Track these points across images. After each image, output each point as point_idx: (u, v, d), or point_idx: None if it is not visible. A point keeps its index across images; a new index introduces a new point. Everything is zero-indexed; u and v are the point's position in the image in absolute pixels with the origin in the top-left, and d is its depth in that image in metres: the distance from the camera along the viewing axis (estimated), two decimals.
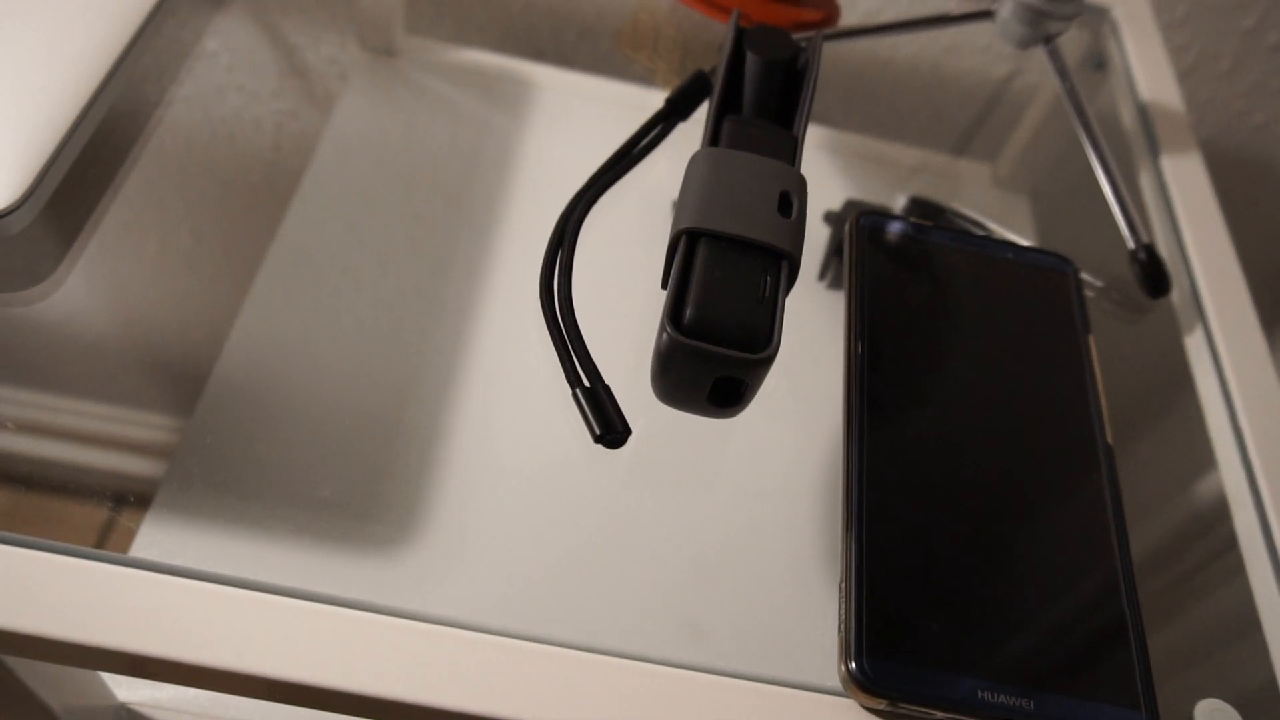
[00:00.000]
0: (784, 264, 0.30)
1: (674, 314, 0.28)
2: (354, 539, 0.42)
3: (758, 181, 0.30)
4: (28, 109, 0.36)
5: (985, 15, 0.45)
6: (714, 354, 0.27)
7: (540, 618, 0.41)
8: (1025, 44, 0.45)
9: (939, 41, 0.71)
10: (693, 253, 0.29)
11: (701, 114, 0.39)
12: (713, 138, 0.33)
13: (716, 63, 0.37)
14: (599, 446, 0.32)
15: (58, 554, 0.30)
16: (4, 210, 0.33)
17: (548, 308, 0.33)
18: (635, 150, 0.38)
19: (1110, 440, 0.39)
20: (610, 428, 0.30)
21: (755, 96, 0.35)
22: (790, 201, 0.30)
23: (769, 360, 0.28)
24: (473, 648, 0.30)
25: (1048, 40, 0.45)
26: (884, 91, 0.73)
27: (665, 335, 0.28)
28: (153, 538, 0.42)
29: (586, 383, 0.31)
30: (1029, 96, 0.68)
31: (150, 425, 0.84)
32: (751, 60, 0.34)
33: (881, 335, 0.39)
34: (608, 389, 0.31)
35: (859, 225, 0.42)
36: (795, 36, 0.36)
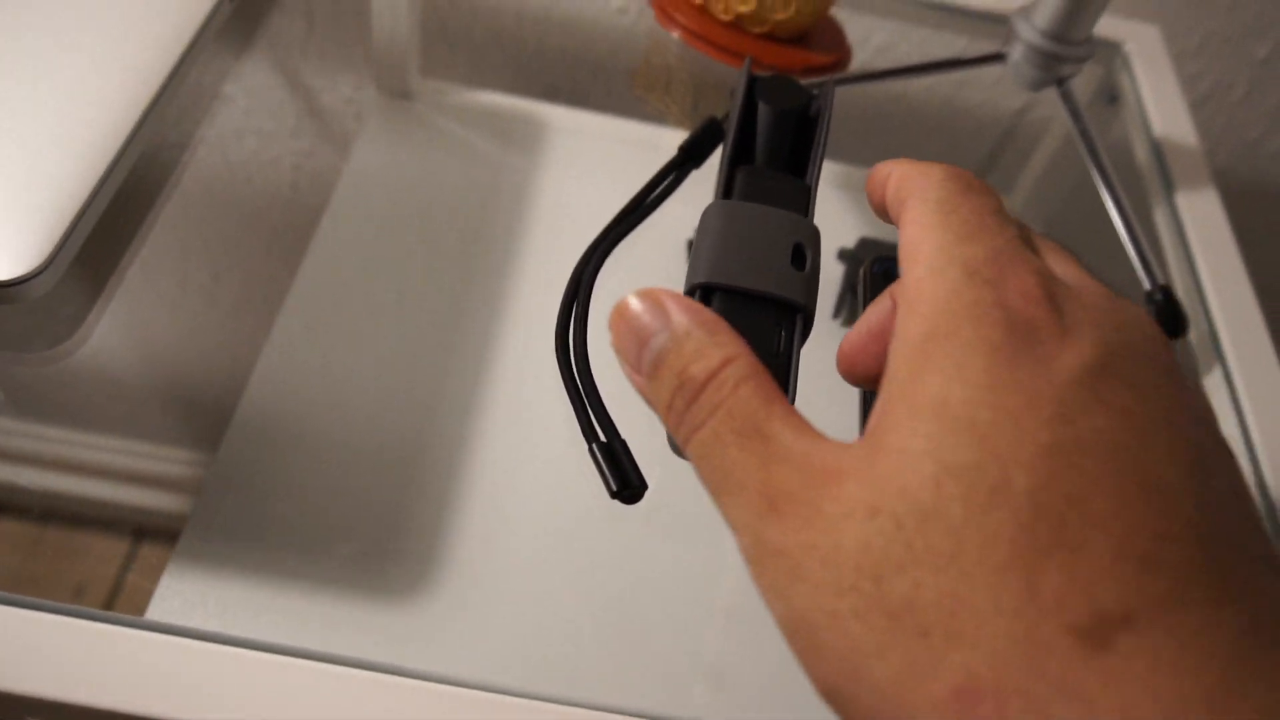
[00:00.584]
0: (798, 317, 0.30)
1: None
2: (373, 588, 0.43)
3: (771, 234, 0.30)
4: (52, 169, 0.36)
5: (997, 58, 0.45)
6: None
7: (562, 674, 0.40)
8: (1037, 86, 0.45)
9: (952, 75, 0.71)
10: (707, 307, 0.30)
11: (716, 159, 0.39)
12: (725, 190, 0.33)
13: (729, 109, 0.37)
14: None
15: (74, 617, 0.30)
16: (26, 276, 0.33)
17: (563, 362, 0.33)
18: (649, 199, 0.38)
19: None
20: (626, 484, 0.30)
21: (767, 146, 0.35)
22: (804, 254, 0.30)
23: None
24: (489, 710, 0.30)
25: (1060, 82, 0.45)
26: (896, 125, 0.73)
27: None
28: (174, 587, 0.42)
29: (603, 438, 0.31)
30: (1042, 129, 0.68)
31: (174, 464, 0.85)
32: (763, 110, 0.35)
33: None
34: (624, 444, 0.31)
35: (872, 272, 0.42)
36: (808, 82, 0.36)
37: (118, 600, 0.99)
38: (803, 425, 0.21)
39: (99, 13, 0.42)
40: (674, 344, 0.22)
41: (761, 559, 0.20)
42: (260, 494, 0.45)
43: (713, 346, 0.22)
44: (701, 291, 0.30)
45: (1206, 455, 0.19)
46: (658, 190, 0.39)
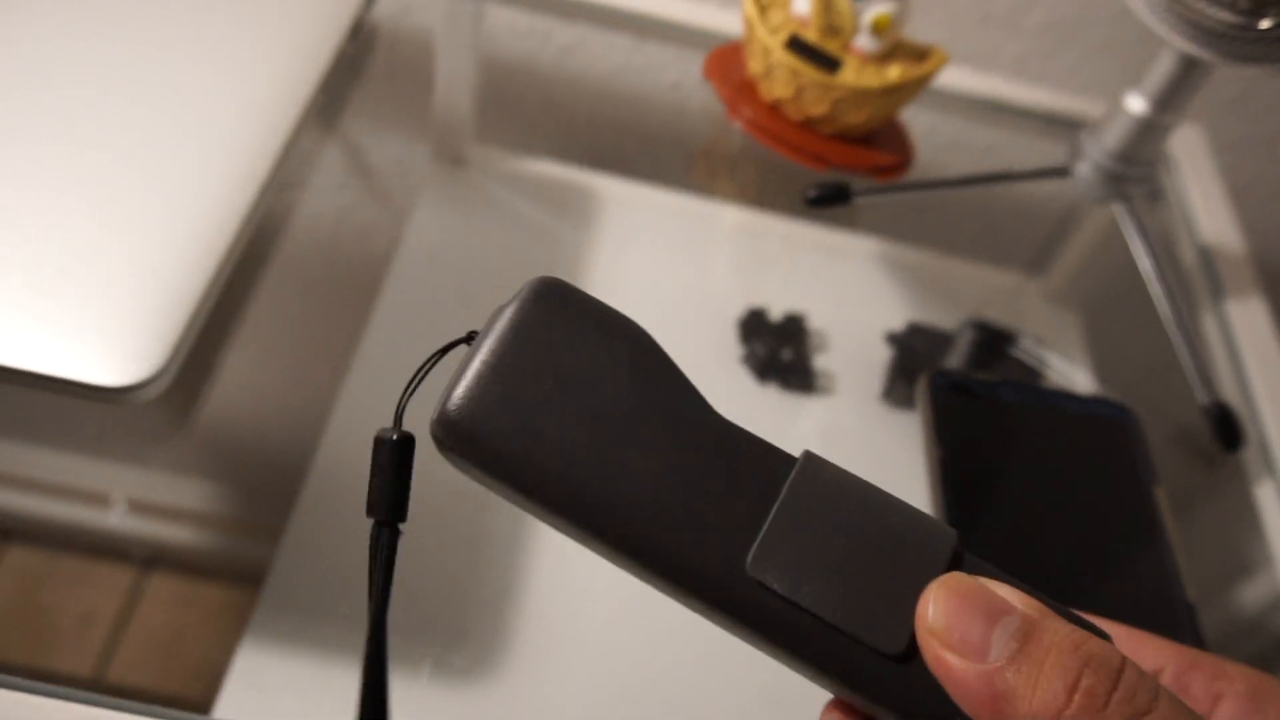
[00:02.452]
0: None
1: None
2: (442, 665, 0.43)
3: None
4: (167, 263, 0.37)
5: (1061, 173, 0.47)
6: None
7: None
8: (1101, 201, 0.46)
9: (990, 156, 0.73)
10: None
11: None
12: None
13: None
14: None
15: (149, 717, 0.31)
16: (142, 382, 0.34)
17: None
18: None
19: (1191, 598, 0.40)
20: None
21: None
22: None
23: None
24: None
25: (1125, 199, 0.46)
26: (933, 204, 0.74)
27: None
28: (247, 666, 0.43)
29: None
30: (1080, 212, 0.70)
31: (185, 495, 0.85)
32: None
33: (962, 500, 0.41)
34: None
35: (933, 384, 0.44)
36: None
37: (126, 629, 0.99)
38: None
39: (202, 98, 0.43)
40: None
41: None
42: (327, 568, 0.46)
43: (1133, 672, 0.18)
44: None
45: None
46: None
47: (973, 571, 0.20)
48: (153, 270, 0.37)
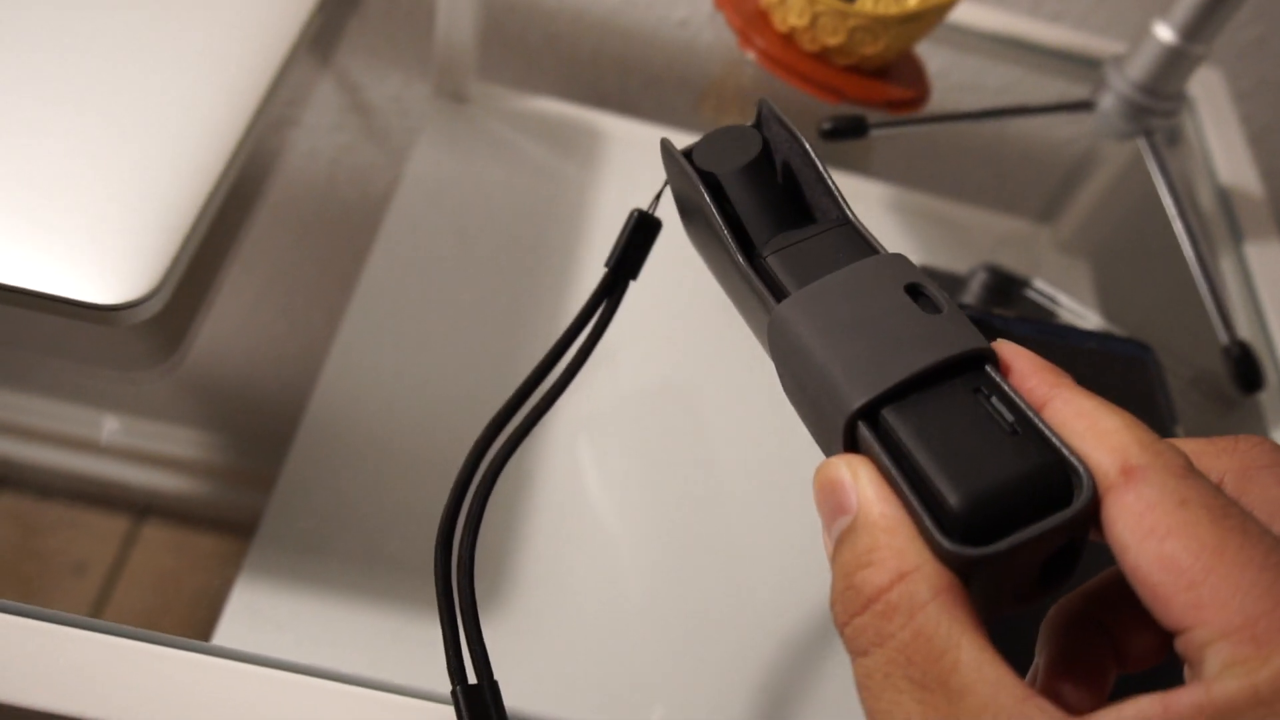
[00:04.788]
0: (986, 365, 0.22)
1: (941, 521, 0.20)
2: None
3: (872, 297, 0.23)
4: (163, 183, 0.36)
5: (1085, 106, 0.46)
6: (1028, 541, 0.19)
7: (624, 701, 0.41)
8: (1124, 137, 0.45)
9: (1000, 101, 0.71)
10: (887, 435, 0.21)
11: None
12: (771, 288, 0.25)
13: (679, 191, 0.28)
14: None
15: (144, 641, 0.31)
16: (136, 300, 0.33)
17: (442, 578, 0.27)
18: (580, 348, 0.31)
19: None
20: None
21: (760, 213, 0.26)
22: (923, 291, 0.23)
23: (1092, 503, 0.19)
24: None
25: (1148, 134, 0.45)
26: (942, 147, 0.73)
27: (950, 552, 0.20)
28: (244, 600, 0.42)
29: (473, 679, 0.26)
30: (1094, 155, 0.69)
31: (178, 444, 0.84)
32: (728, 178, 0.26)
33: None
34: (495, 688, 0.26)
35: None
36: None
37: (120, 577, 0.98)
38: (1000, 669, 0.17)
39: (202, 24, 0.41)
40: (849, 534, 0.20)
41: None
42: (324, 508, 0.45)
43: (887, 553, 0.19)
44: (866, 421, 0.22)
45: None
46: (587, 332, 0.31)
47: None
48: (147, 190, 0.35)
